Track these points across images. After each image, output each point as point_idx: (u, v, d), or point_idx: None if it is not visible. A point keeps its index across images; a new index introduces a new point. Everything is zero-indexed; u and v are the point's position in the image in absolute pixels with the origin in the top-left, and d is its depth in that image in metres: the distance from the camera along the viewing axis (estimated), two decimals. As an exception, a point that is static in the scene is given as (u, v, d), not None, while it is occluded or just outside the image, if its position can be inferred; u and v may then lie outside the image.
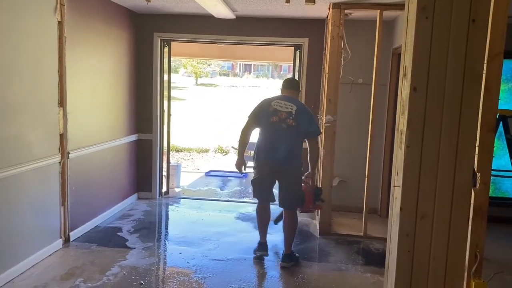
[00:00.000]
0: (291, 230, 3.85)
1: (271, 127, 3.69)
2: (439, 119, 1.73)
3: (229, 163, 9.03)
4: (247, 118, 3.85)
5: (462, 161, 1.73)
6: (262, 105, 3.80)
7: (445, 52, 1.70)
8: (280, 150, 3.66)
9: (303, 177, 3.88)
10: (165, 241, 4.36)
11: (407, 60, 1.78)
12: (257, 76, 36.41)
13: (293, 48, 5.57)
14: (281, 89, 3.93)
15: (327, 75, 4.47)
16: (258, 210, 4.01)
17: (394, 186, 1.81)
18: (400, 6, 4.20)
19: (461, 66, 1.71)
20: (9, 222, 3.23)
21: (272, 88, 28.88)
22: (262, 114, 3.75)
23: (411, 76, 1.73)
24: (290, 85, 3.93)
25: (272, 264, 3.83)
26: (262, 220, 4.00)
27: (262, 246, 3.95)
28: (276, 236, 4.43)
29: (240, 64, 36.15)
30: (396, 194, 1.80)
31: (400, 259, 1.85)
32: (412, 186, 1.74)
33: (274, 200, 3.97)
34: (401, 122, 1.83)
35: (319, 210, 4.44)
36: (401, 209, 1.77)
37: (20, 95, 3.28)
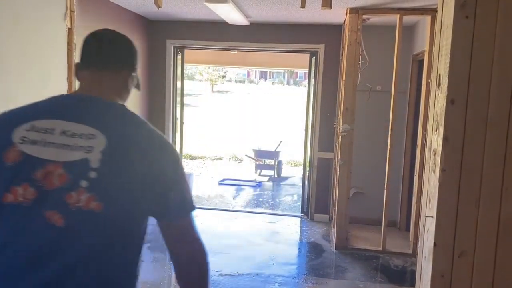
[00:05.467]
0: None
1: (5, 223, 1.04)
2: (482, 138, 1.42)
3: (243, 171, 8.89)
4: None
5: (510, 188, 1.42)
6: None
7: (489, 57, 1.41)
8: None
9: None
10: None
11: (441, 68, 1.51)
12: (272, 83, 36.31)
13: (308, 54, 5.42)
14: (80, 67, 1.22)
15: (344, 82, 4.30)
16: None
17: (426, 216, 1.50)
18: (421, 11, 4.02)
19: (509, 74, 1.42)
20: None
21: (288, 94, 28.79)
22: None
23: (448, 87, 1.44)
24: (113, 50, 1.23)
25: (286, 280, 3.65)
26: None
27: None
28: (287, 247, 4.26)
29: (255, 71, 36.12)
30: (429, 225, 1.50)
31: None
32: (448, 217, 1.43)
33: None
34: (435, 140, 1.53)
35: (335, 222, 4.24)
36: (434, 244, 1.46)
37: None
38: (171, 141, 5.51)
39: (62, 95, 1.22)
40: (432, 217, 1.47)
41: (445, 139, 1.46)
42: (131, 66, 1.26)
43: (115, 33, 1.25)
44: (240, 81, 36.11)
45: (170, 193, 1.12)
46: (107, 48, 1.22)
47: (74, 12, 3.66)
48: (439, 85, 1.54)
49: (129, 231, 1.10)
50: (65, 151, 1.04)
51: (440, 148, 1.48)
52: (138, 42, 5.02)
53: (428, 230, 1.54)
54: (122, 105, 1.21)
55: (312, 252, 4.34)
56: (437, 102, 1.57)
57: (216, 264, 3.88)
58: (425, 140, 3.99)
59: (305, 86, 5.70)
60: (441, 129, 1.47)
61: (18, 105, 1.23)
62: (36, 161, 1.02)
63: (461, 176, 1.46)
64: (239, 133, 15.11)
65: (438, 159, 1.50)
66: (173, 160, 1.16)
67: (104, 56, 1.20)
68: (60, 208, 1.00)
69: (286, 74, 36.04)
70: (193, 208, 1.21)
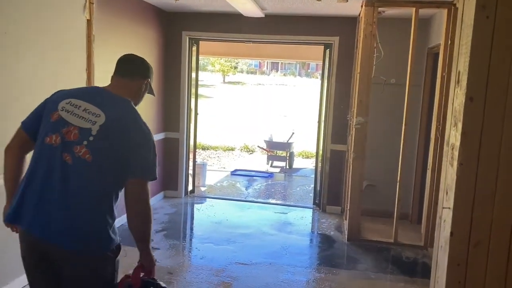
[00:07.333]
0: None
1: (44, 152, 1.75)
2: (499, 134, 1.48)
3: (254, 162, 8.96)
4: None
5: (525, 182, 1.51)
6: (47, 103, 1.87)
7: (508, 57, 1.46)
8: (55, 208, 1.67)
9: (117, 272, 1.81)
10: (189, 242, 4.32)
11: (461, 65, 1.56)
12: (284, 74, 36.23)
13: (322, 46, 5.43)
14: (114, 74, 1.93)
15: (358, 75, 4.31)
16: None
17: (443, 207, 1.58)
18: (438, 4, 4.00)
19: (528, 73, 1.47)
20: None
21: (299, 86, 28.72)
22: (43, 121, 1.81)
23: (467, 84, 1.50)
24: (130, 65, 1.95)
25: (299, 270, 3.72)
26: None
27: None
28: (300, 238, 4.31)
29: (267, 62, 36.04)
30: (446, 216, 1.57)
31: None
32: (465, 208, 1.50)
33: None
34: (453, 136, 1.59)
35: (347, 214, 4.27)
36: (451, 234, 1.53)
37: (48, 94, 3.27)
38: (186, 131, 5.58)
39: (96, 87, 1.98)
40: (449, 208, 1.53)
41: (463, 134, 1.53)
42: (142, 77, 1.95)
43: (134, 55, 1.99)
44: (252, 72, 36.07)
45: (135, 158, 1.74)
46: (126, 64, 1.93)
47: (93, 4, 3.73)
48: (458, 82, 1.60)
49: (109, 178, 1.73)
50: (82, 121, 1.72)
51: (458, 143, 1.55)
52: (154, 34, 5.08)
53: (445, 220, 1.61)
54: (127, 100, 1.86)
55: (324, 243, 4.40)
56: (455, 99, 1.62)
57: (230, 253, 3.97)
58: (439, 133, 3.99)
59: (317, 78, 5.70)
60: (460, 125, 1.54)
61: (39, 92, 2.31)
62: (65, 122, 1.72)
63: (478, 169, 1.53)
64: (251, 124, 15.17)
65: (456, 153, 1.56)
66: (145, 140, 1.79)
67: (123, 69, 1.91)
68: (71, 153, 1.68)
69: (298, 65, 35.90)
70: (149, 176, 1.77)
